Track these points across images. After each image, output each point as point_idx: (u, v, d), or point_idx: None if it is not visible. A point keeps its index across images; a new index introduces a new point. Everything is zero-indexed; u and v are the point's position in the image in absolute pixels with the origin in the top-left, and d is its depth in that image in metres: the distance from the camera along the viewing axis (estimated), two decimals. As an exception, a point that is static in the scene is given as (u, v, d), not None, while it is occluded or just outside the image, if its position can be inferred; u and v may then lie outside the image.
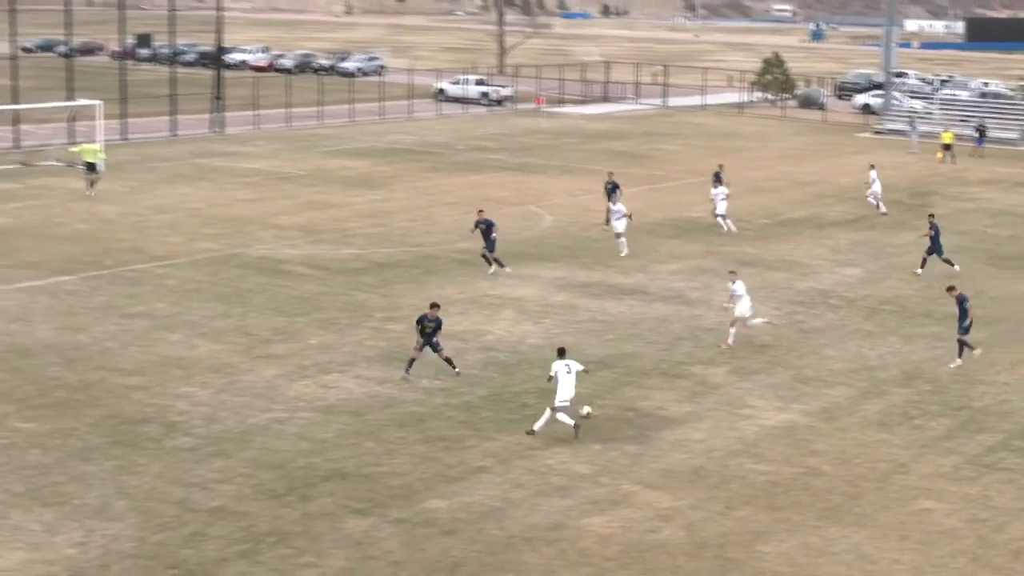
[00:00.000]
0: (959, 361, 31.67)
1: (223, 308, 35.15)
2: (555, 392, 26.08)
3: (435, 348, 29.27)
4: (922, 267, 41.67)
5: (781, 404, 28.73)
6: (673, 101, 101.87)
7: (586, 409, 26.37)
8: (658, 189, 58.45)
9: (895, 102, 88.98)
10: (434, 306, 29.58)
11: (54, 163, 58.56)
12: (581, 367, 26.87)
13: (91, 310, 34.56)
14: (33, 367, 29.46)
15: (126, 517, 21.85)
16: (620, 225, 43.62)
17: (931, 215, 43.43)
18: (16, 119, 65.27)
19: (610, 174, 50.29)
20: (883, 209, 52.79)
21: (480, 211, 41.69)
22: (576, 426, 25.95)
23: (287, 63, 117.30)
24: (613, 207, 44.92)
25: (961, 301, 31.59)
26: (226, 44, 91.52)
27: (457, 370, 29.44)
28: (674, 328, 34.79)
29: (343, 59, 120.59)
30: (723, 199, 48.23)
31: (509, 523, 22.24)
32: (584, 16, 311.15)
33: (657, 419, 27.47)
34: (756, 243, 46.51)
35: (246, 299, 36.04)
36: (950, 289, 32.45)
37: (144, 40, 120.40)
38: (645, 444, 25.95)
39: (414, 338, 29.51)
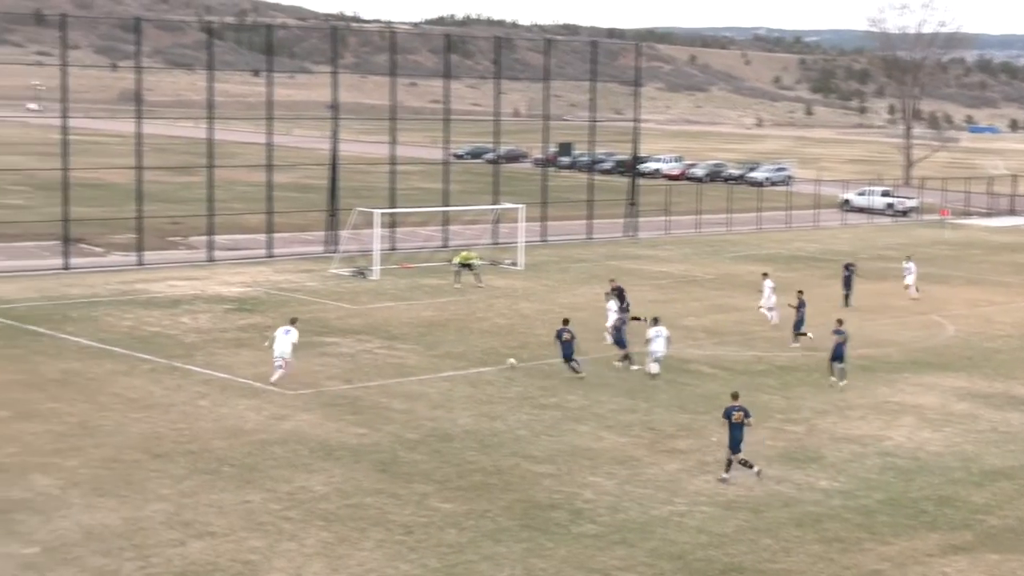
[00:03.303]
0: None
1: (630, 403, 36.13)
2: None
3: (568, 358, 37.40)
4: None
5: None
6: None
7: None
8: (1066, 303, 56.59)
9: None
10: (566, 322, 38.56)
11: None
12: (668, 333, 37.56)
13: (507, 400, 35.96)
14: (452, 450, 30.81)
15: (533, 598, 22.70)
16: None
17: None
18: (446, 220, 69.26)
19: (612, 281, 48.17)
20: (775, 321, 48.23)
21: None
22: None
23: (698, 172, 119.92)
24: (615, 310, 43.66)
25: None
26: (641, 153, 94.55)
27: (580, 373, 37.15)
28: (1079, 442, 33.73)
29: (752, 169, 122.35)
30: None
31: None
32: (992, 130, 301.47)
33: (1060, 533, 26.69)
34: None
35: (652, 395, 36.83)
36: None
37: (565, 148, 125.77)
38: (1047, 557, 25.25)
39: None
